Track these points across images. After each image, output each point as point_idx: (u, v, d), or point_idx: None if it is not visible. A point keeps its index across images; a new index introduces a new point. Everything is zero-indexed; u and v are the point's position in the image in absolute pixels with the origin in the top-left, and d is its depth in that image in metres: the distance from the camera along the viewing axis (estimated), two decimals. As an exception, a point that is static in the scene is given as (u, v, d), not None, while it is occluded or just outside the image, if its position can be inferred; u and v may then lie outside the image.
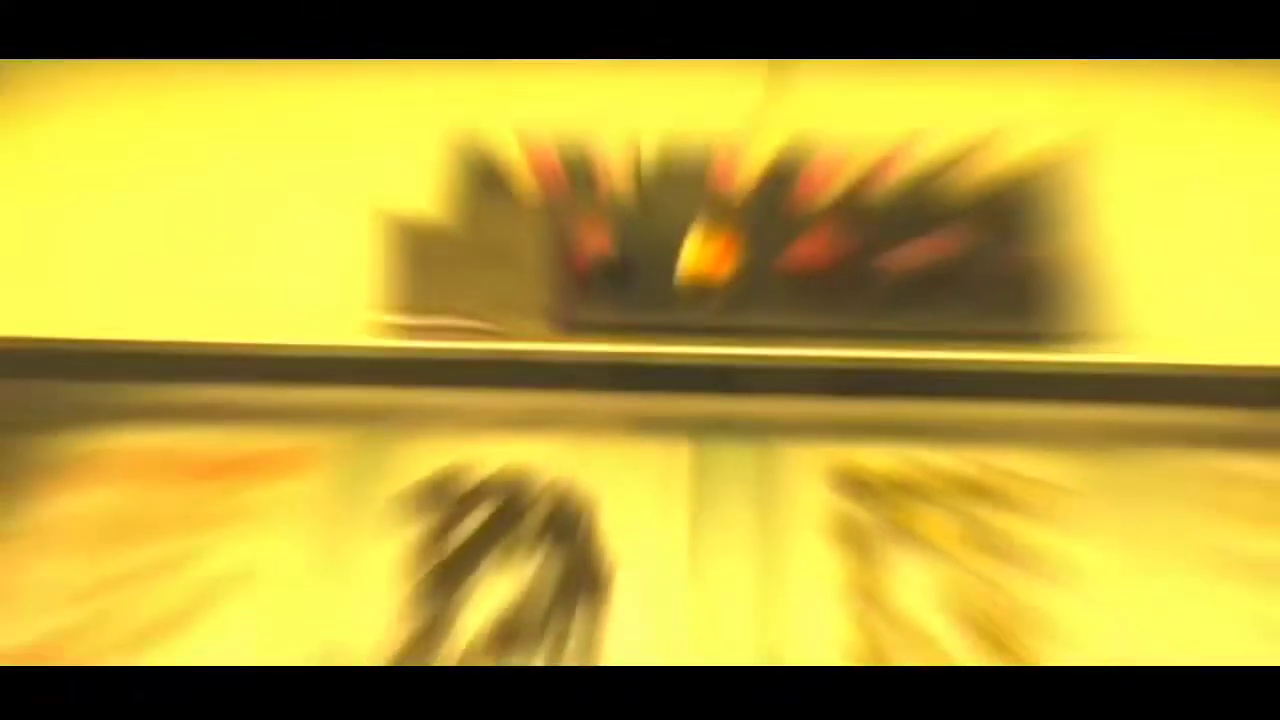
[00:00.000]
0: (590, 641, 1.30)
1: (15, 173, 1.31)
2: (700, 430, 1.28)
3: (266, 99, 1.38)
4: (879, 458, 1.53)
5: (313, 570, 1.38)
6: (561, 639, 1.30)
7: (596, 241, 1.13)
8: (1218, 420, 1.07)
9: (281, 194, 1.25)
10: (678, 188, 1.25)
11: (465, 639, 1.29)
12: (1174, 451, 1.36)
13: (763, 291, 1.13)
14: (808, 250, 1.13)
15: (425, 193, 1.20)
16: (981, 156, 1.21)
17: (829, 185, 1.22)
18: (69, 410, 1.22)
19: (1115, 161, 1.24)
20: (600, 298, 1.11)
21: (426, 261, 1.05)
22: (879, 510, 1.48)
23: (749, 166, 1.24)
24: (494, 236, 1.05)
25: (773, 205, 1.23)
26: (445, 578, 1.37)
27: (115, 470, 1.53)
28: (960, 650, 1.30)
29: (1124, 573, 1.29)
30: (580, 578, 1.38)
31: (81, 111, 1.37)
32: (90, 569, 1.43)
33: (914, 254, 1.11)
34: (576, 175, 1.24)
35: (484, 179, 1.22)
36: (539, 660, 1.30)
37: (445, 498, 1.47)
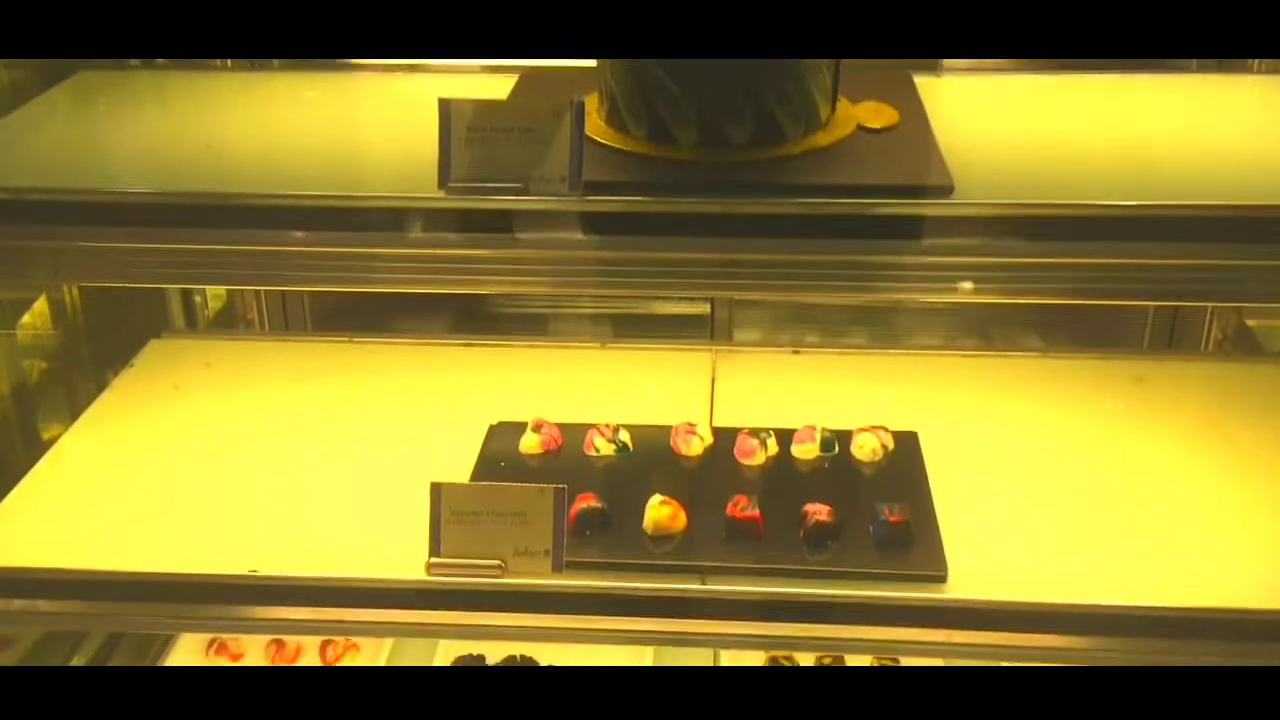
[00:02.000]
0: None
1: (162, 433, 1.76)
2: (662, 640, 1.67)
3: (357, 381, 1.87)
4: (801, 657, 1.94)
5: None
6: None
7: (584, 499, 1.54)
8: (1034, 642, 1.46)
9: (360, 458, 1.69)
10: (646, 457, 1.68)
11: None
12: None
13: (709, 537, 1.53)
14: (742, 505, 1.53)
15: (467, 462, 1.65)
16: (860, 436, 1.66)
17: (755, 454, 1.64)
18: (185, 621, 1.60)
19: (952, 440, 1.69)
20: (587, 543, 1.52)
21: (461, 517, 1.45)
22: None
23: (698, 439, 1.67)
24: (511, 500, 1.45)
25: (715, 470, 1.65)
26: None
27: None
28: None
29: None
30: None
31: (224, 384, 1.86)
32: None
33: (819, 511, 1.52)
34: (573, 447, 1.69)
35: (507, 453, 1.67)
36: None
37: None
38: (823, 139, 1.43)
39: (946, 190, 1.29)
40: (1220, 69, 1.75)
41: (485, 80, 1.69)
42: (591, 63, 1.47)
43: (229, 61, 1.94)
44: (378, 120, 1.59)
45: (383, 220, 1.33)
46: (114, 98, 1.66)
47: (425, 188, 1.31)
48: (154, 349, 1.96)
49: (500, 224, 1.33)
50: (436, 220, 1.33)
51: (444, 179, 1.32)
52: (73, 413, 1.83)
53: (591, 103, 1.52)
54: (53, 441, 1.77)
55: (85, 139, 1.53)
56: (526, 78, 1.68)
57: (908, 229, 1.29)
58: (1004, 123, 1.53)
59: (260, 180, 1.37)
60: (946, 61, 2.16)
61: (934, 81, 1.64)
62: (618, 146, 1.41)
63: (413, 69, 2.11)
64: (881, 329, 2.26)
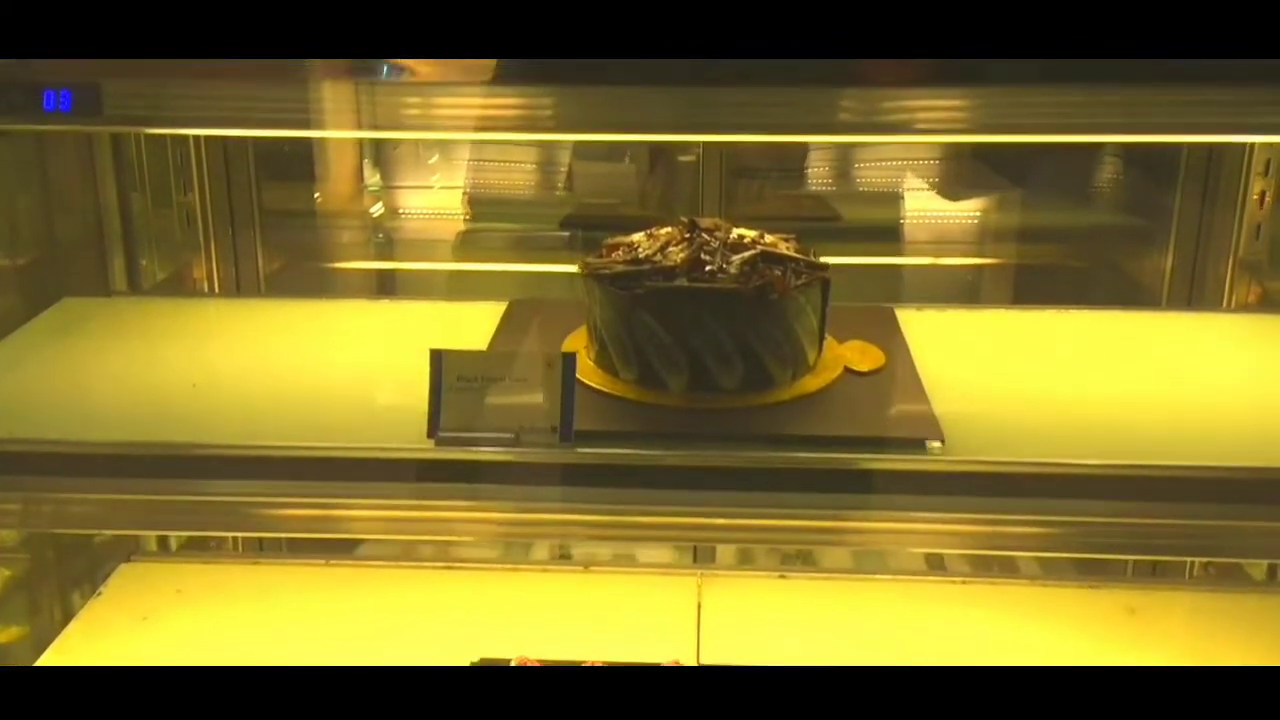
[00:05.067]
0: None
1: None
2: None
3: (334, 609, 1.82)
4: None
5: None
6: None
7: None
8: None
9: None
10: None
11: None
12: None
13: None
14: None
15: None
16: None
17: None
18: None
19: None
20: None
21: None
22: None
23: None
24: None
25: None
26: None
27: None
28: None
29: None
30: None
31: (196, 613, 1.81)
32: None
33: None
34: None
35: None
36: None
37: None
38: (811, 383, 1.44)
39: (936, 443, 1.31)
40: (1190, 306, 1.81)
41: (470, 309, 1.71)
42: (577, 275, 1.48)
43: (215, 289, 1.97)
44: (364, 357, 1.58)
45: (370, 471, 1.32)
46: (96, 329, 1.67)
47: (414, 437, 1.31)
48: (124, 573, 1.90)
49: (490, 473, 1.32)
50: (426, 470, 1.32)
51: (433, 428, 1.32)
52: (38, 642, 1.76)
53: (579, 339, 1.54)
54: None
55: (63, 377, 1.52)
56: (514, 308, 1.71)
57: (897, 483, 1.29)
58: (987, 363, 1.56)
59: (241, 428, 1.37)
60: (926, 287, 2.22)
61: (916, 317, 1.67)
62: (607, 391, 1.42)
63: (398, 298, 2.14)
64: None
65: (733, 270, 1.40)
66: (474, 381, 1.33)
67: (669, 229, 1.52)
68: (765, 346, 1.40)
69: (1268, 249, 1.82)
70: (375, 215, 2.52)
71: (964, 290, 2.40)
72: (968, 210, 2.41)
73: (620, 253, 1.48)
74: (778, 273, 1.41)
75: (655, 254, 1.45)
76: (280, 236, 2.22)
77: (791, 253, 1.47)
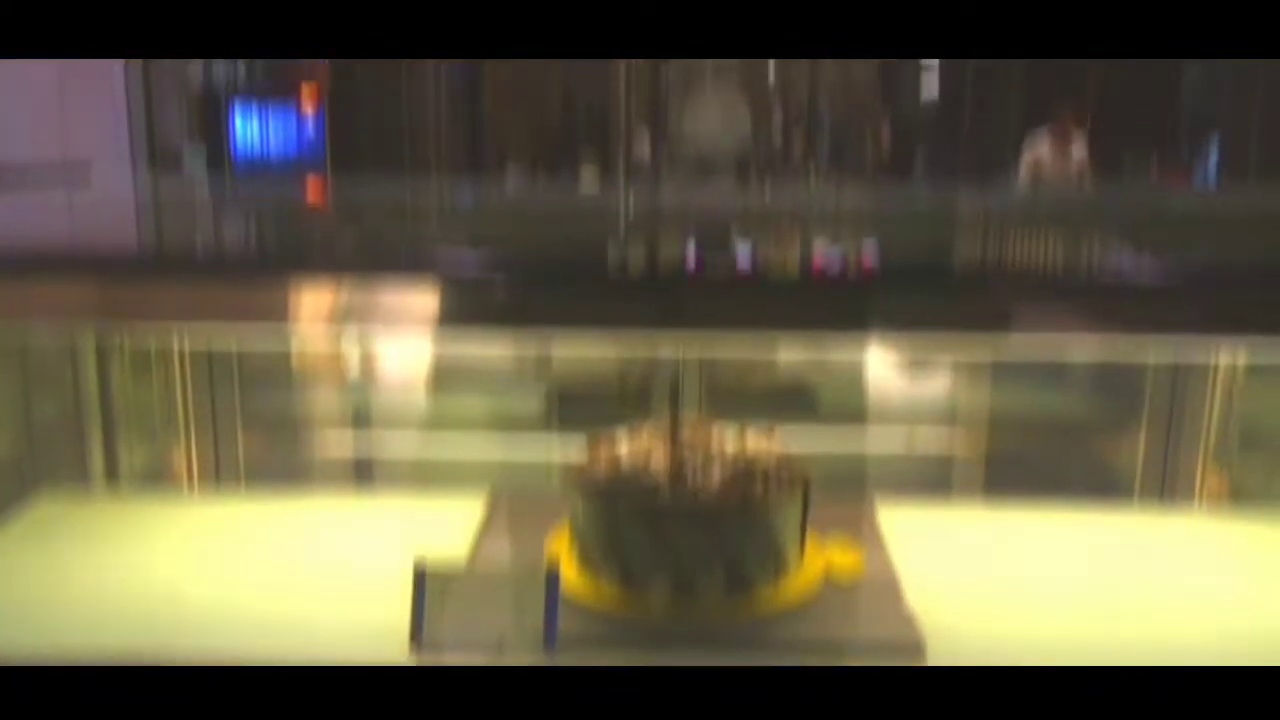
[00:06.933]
0: None
1: None
2: None
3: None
4: None
5: None
6: None
7: None
8: None
9: None
10: None
11: None
12: None
13: None
14: None
15: None
16: None
17: None
18: None
19: None
20: None
21: None
22: None
23: None
24: None
25: None
26: None
27: None
28: None
29: None
30: None
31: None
32: None
33: None
34: None
35: None
36: None
37: None
38: (792, 588, 1.45)
39: (918, 650, 1.32)
40: (1163, 496, 1.84)
41: (451, 504, 1.71)
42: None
43: (193, 488, 1.96)
44: (344, 560, 1.56)
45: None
46: (71, 535, 1.65)
47: (395, 645, 1.31)
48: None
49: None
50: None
51: (415, 638, 1.32)
52: None
53: (562, 537, 1.54)
54: None
55: (37, 590, 1.50)
56: (495, 502, 1.71)
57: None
58: (965, 567, 1.56)
59: (220, 641, 1.37)
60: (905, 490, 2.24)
61: (894, 514, 1.68)
62: (588, 602, 1.42)
63: (378, 490, 2.13)
64: None
65: (714, 484, 1.41)
66: (457, 592, 1.33)
67: (650, 427, 1.54)
68: (747, 554, 1.41)
69: (1238, 443, 1.86)
70: (353, 384, 2.53)
71: (936, 466, 2.42)
72: (941, 388, 2.45)
73: (602, 455, 1.50)
74: (759, 484, 1.42)
75: (638, 462, 1.46)
76: (260, 410, 2.22)
77: (772, 456, 1.49)
